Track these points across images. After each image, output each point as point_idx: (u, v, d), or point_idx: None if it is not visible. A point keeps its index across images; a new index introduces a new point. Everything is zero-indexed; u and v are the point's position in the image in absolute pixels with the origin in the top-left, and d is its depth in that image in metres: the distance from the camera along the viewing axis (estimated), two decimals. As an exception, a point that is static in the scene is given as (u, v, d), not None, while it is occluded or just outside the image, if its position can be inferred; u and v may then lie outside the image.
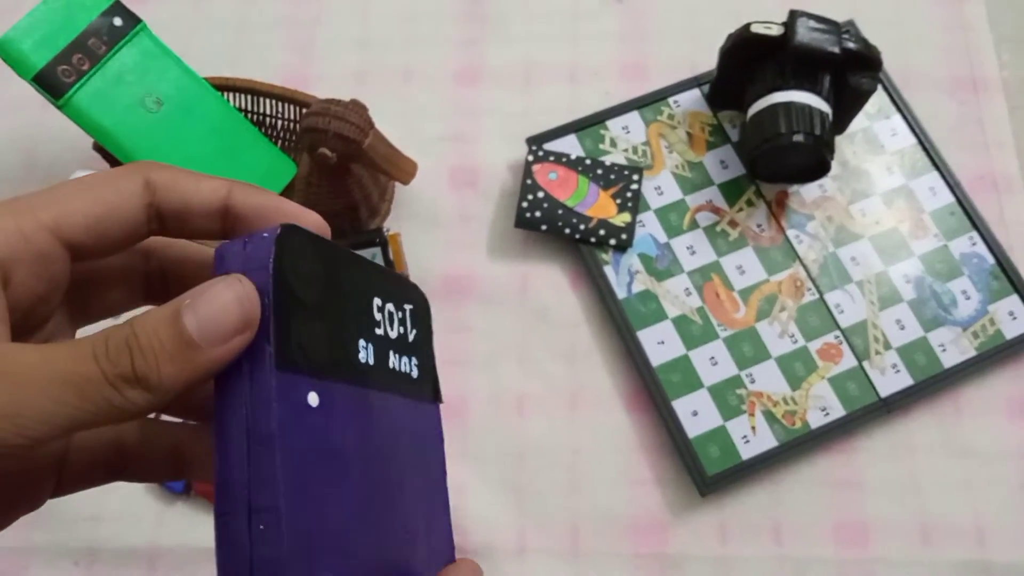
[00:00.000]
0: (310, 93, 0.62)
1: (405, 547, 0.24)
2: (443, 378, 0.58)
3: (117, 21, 0.56)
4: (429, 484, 0.26)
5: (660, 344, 0.58)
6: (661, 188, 0.62)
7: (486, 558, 0.54)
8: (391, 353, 0.25)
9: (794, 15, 0.56)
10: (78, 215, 0.21)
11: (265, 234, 0.21)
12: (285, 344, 0.20)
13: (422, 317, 0.27)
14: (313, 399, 0.21)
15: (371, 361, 0.24)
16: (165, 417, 0.26)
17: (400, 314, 0.26)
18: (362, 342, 0.24)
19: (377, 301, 0.25)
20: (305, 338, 0.21)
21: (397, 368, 0.25)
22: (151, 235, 0.23)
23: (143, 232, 0.23)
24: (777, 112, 0.56)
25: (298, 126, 0.63)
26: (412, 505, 0.25)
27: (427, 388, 0.27)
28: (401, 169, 0.53)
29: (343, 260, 0.24)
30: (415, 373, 0.26)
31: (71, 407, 0.18)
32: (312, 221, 0.24)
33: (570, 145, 0.63)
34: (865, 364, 0.58)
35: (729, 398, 0.57)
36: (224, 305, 0.19)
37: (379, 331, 0.25)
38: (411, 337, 0.26)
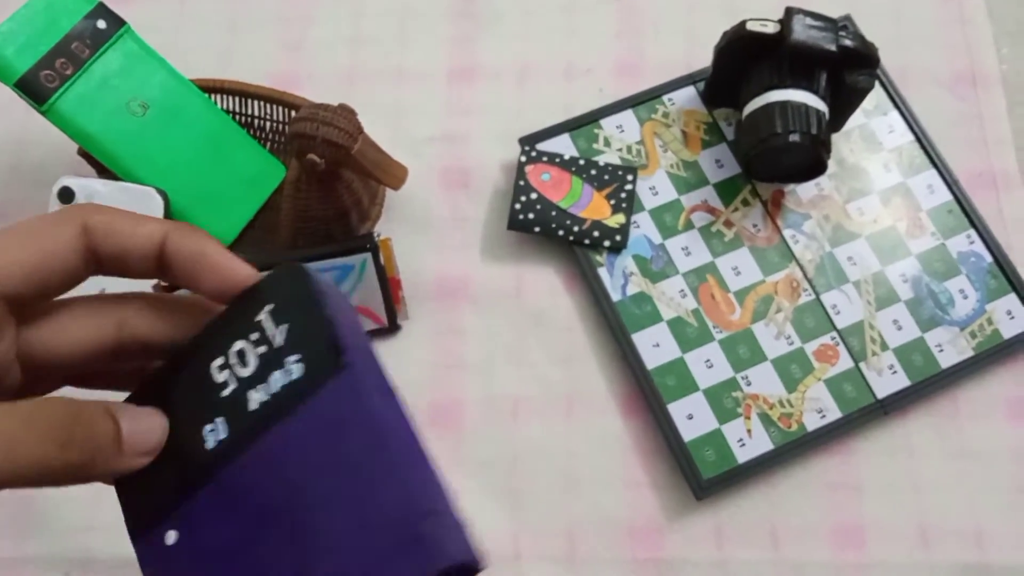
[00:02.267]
0: (300, 93, 0.61)
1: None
2: (436, 382, 0.58)
3: (101, 24, 0.55)
4: (373, 467, 0.21)
5: (655, 347, 0.57)
6: (656, 188, 0.61)
7: (481, 564, 0.54)
8: (250, 394, 0.23)
9: (790, 12, 0.56)
10: (15, 266, 0.22)
11: None
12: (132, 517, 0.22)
13: (296, 295, 0.24)
14: (171, 538, 0.22)
15: (223, 435, 0.23)
16: None
17: (256, 335, 0.24)
18: (207, 427, 0.23)
19: (217, 362, 0.24)
20: (144, 493, 0.23)
21: (268, 398, 0.23)
22: (90, 276, 0.24)
23: (81, 276, 0.23)
24: (773, 111, 0.55)
25: (287, 129, 0.62)
26: (351, 514, 0.21)
27: (323, 365, 0.23)
28: (391, 175, 0.52)
29: (183, 355, 0.24)
30: (297, 371, 0.23)
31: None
32: (239, 275, 0.25)
33: (563, 145, 0.62)
34: (862, 365, 0.57)
35: (725, 401, 0.56)
36: (150, 431, 0.23)
37: (225, 392, 0.23)
38: (279, 338, 0.23)
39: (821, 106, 0.56)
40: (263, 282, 0.24)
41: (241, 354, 0.23)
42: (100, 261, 0.24)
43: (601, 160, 0.61)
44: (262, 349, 0.23)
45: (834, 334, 0.58)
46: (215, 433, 0.23)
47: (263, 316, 0.23)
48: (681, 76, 0.64)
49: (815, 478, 0.56)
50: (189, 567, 0.22)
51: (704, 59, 0.62)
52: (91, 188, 0.55)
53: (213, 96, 0.61)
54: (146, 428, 0.23)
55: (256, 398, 0.23)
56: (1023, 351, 0.58)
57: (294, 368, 0.23)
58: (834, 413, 0.56)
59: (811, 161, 0.57)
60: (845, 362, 0.57)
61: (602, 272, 0.59)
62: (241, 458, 0.22)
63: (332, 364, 0.22)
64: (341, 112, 0.50)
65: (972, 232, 0.61)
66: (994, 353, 0.58)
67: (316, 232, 0.56)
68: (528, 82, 0.66)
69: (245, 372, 0.23)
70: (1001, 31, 0.67)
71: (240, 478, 0.22)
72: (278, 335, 0.23)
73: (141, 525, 0.22)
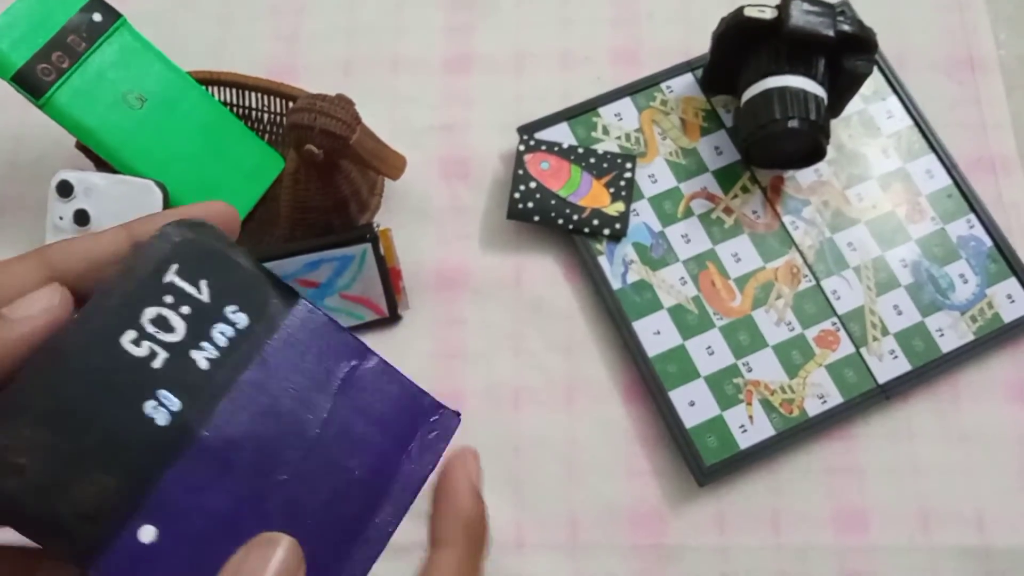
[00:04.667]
0: (297, 85, 0.61)
1: (352, 483, 0.23)
2: (437, 372, 0.58)
3: (97, 17, 0.55)
4: (354, 378, 0.24)
5: (656, 334, 0.57)
6: (655, 176, 0.61)
7: (484, 553, 0.54)
8: (193, 356, 0.22)
9: (787, -3, 0.55)
10: None
11: None
12: (79, 540, 0.20)
13: (202, 249, 0.23)
14: (147, 535, 0.20)
15: (176, 407, 0.21)
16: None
17: (170, 297, 0.22)
18: (149, 405, 0.21)
19: (127, 337, 0.21)
20: (80, 511, 0.20)
21: (218, 354, 0.22)
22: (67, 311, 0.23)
23: (56, 311, 0.22)
24: (771, 97, 0.55)
25: (285, 120, 0.62)
26: (340, 441, 0.23)
27: (272, 304, 0.23)
28: (390, 164, 0.52)
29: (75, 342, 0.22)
30: (243, 321, 0.22)
31: None
32: (219, 212, 0.24)
33: (562, 134, 0.62)
34: (863, 351, 0.57)
35: (726, 387, 0.56)
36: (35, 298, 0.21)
37: (156, 363, 0.21)
38: (204, 294, 0.22)
39: (820, 92, 0.56)
40: (150, 244, 0.22)
41: (161, 321, 0.22)
42: (70, 285, 0.22)
43: (600, 148, 0.61)
44: (186, 309, 0.22)
45: (835, 320, 0.58)
46: (163, 408, 0.21)
47: (171, 277, 0.22)
48: (679, 63, 0.64)
49: (816, 463, 0.56)
50: (184, 554, 0.21)
51: (702, 46, 0.61)
52: (89, 181, 0.55)
53: (210, 88, 0.60)
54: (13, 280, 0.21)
55: (203, 356, 0.22)
56: None
57: (238, 318, 0.23)
58: (835, 398, 0.56)
59: (810, 147, 0.57)
60: (846, 347, 0.57)
61: (602, 260, 0.59)
62: (211, 419, 0.22)
63: (284, 303, 0.23)
64: (339, 102, 0.49)
65: (972, 216, 0.61)
66: (995, 337, 0.58)
67: (315, 223, 0.56)
68: (526, 71, 0.66)
69: (174, 337, 0.22)
70: (999, 16, 0.67)
71: (217, 439, 0.22)
72: (202, 291, 0.22)
73: (94, 542, 0.20)
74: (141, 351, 0.21)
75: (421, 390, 0.25)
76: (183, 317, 0.22)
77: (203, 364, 0.22)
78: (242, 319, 0.23)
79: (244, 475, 0.22)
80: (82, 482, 0.20)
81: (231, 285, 0.23)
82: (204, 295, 0.22)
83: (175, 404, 0.21)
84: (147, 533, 0.20)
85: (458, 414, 0.25)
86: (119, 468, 0.21)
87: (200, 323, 0.22)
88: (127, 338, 0.21)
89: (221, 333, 0.22)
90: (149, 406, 0.21)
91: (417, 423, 0.25)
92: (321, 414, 0.23)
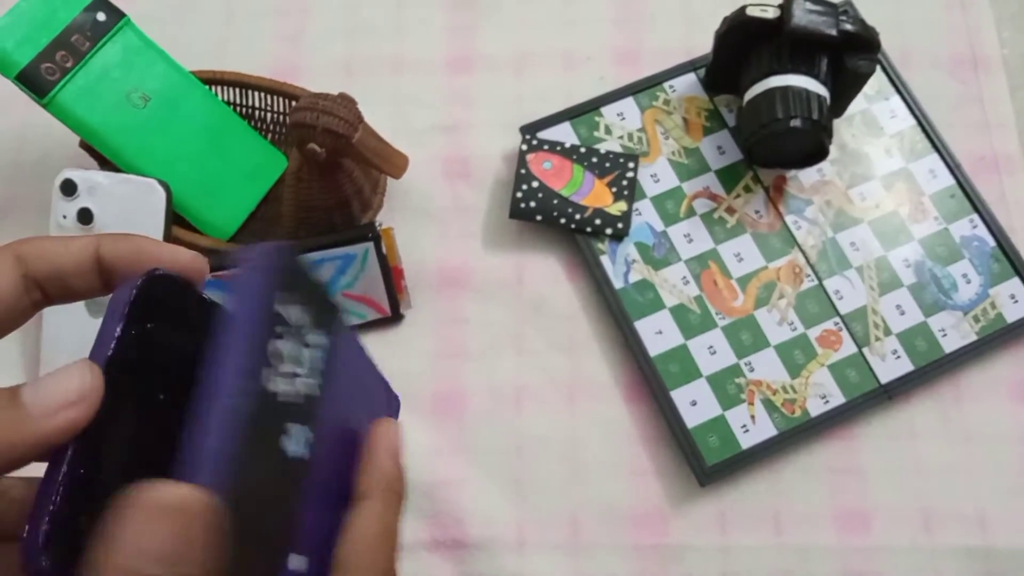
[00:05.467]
0: (299, 84, 0.61)
1: None
2: (439, 371, 0.58)
3: (100, 16, 0.55)
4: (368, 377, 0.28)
5: (658, 334, 0.57)
6: (657, 175, 0.61)
7: (485, 552, 0.54)
8: (299, 383, 0.22)
9: (790, -3, 0.55)
10: None
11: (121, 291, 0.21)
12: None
13: (292, 272, 0.23)
14: (298, 563, 0.20)
15: (306, 435, 0.21)
16: None
17: (280, 327, 0.22)
18: (284, 439, 0.21)
19: (264, 373, 0.20)
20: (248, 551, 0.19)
21: (320, 378, 0.23)
22: (37, 308, 0.23)
23: (27, 307, 0.23)
24: (774, 97, 0.55)
25: (288, 119, 0.62)
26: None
27: (336, 320, 0.25)
28: (392, 163, 0.52)
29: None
30: (324, 340, 0.23)
31: None
32: (187, 264, 0.24)
33: (564, 133, 0.62)
34: (865, 350, 0.57)
35: (728, 387, 0.56)
36: (61, 381, 0.20)
37: (283, 396, 0.21)
38: (297, 318, 0.22)
39: (822, 91, 0.56)
40: (249, 272, 0.21)
41: (277, 353, 0.21)
42: (41, 287, 0.23)
43: (602, 148, 0.61)
44: (291, 336, 0.22)
45: (837, 319, 0.58)
46: (294, 440, 0.21)
47: (279, 307, 0.22)
48: (681, 63, 0.64)
49: (819, 463, 0.56)
50: (316, 571, 0.21)
51: (704, 45, 0.61)
52: (93, 180, 0.55)
53: (213, 88, 0.61)
54: (55, 380, 0.20)
55: (307, 382, 0.22)
56: (1026, 335, 0.58)
57: (319, 339, 0.23)
58: (837, 398, 0.56)
59: (813, 146, 0.57)
60: (848, 347, 0.57)
61: (604, 260, 0.59)
62: (321, 445, 0.22)
63: (334, 320, 0.24)
64: (341, 101, 0.50)
65: (975, 216, 0.60)
66: (998, 337, 0.58)
67: (318, 222, 0.56)
68: (528, 70, 0.66)
69: (288, 367, 0.22)
70: (1002, 14, 0.66)
71: (318, 462, 0.22)
72: (296, 316, 0.22)
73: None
74: (272, 386, 0.21)
75: (383, 376, 0.29)
76: (290, 344, 0.22)
77: (310, 390, 0.22)
78: (323, 340, 0.23)
79: (328, 489, 0.23)
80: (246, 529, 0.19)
81: (312, 306, 0.23)
82: (298, 319, 0.22)
83: (305, 433, 0.22)
84: (298, 561, 0.21)
85: (398, 397, 0.30)
86: (278, 506, 0.20)
87: (299, 348, 0.22)
88: (264, 377, 0.21)
89: (312, 356, 0.23)
90: (285, 441, 0.21)
91: (389, 408, 0.29)
92: (361, 415, 0.25)
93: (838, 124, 0.62)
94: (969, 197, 0.61)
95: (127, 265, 0.24)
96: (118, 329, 0.20)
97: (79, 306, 0.55)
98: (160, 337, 0.22)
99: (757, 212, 0.61)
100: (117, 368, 0.21)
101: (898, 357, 0.57)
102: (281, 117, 0.63)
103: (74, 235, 0.24)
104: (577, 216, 0.59)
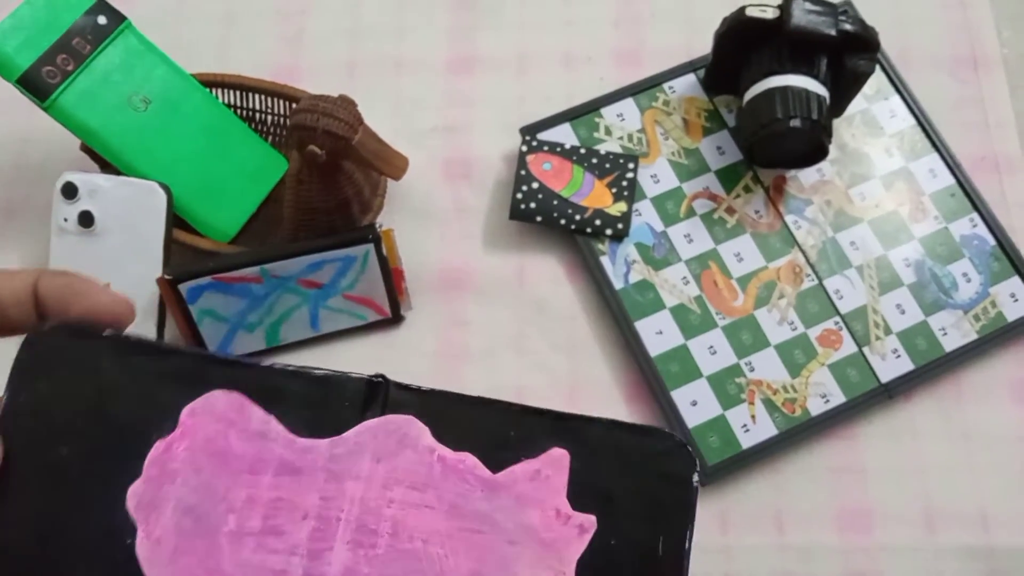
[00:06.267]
0: (300, 86, 0.61)
1: None
2: (440, 372, 0.58)
3: (101, 19, 0.55)
4: None
5: (658, 334, 0.58)
6: (657, 176, 0.61)
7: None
8: None
9: (789, -3, 0.55)
10: None
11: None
12: None
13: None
14: None
15: None
16: None
17: None
18: None
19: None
20: None
21: None
22: None
23: None
24: (774, 97, 0.55)
25: (288, 121, 0.62)
26: None
27: None
28: (392, 165, 0.52)
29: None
30: None
31: None
32: (110, 309, 0.25)
33: (564, 134, 0.62)
34: (865, 350, 0.57)
35: (728, 387, 0.56)
36: None
37: None
38: None
39: (822, 91, 0.56)
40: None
41: None
42: None
43: (602, 149, 0.61)
44: None
45: (837, 319, 0.58)
46: None
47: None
48: (681, 63, 0.64)
49: (819, 463, 0.56)
50: None
51: (704, 46, 0.62)
52: (94, 183, 0.55)
53: (214, 90, 0.61)
54: None
55: None
56: (1027, 334, 0.58)
57: None
58: (838, 398, 0.56)
59: (812, 146, 0.57)
60: (848, 347, 0.57)
61: (604, 260, 0.59)
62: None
63: None
64: (341, 103, 0.50)
65: (975, 215, 0.60)
66: (998, 336, 0.58)
67: (319, 224, 0.56)
68: (528, 72, 0.66)
69: None
70: (1002, 14, 0.67)
71: None
72: None
73: None
74: None
75: None
76: None
77: None
78: None
79: None
80: None
81: None
82: None
83: None
84: None
85: None
86: None
87: None
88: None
89: None
90: None
91: None
92: None
93: (838, 124, 0.62)
94: (969, 196, 0.61)
95: (56, 302, 0.24)
96: (5, 396, 0.22)
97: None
98: (58, 391, 0.23)
99: (757, 212, 0.61)
100: (9, 433, 0.22)
101: (898, 356, 0.57)
102: (282, 120, 0.63)
103: (17, 268, 0.25)
104: (577, 217, 0.59)
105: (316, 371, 0.24)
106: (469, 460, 0.23)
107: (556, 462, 0.24)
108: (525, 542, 0.23)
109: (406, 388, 0.24)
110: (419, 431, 0.23)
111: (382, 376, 0.24)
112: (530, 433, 0.24)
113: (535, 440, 0.24)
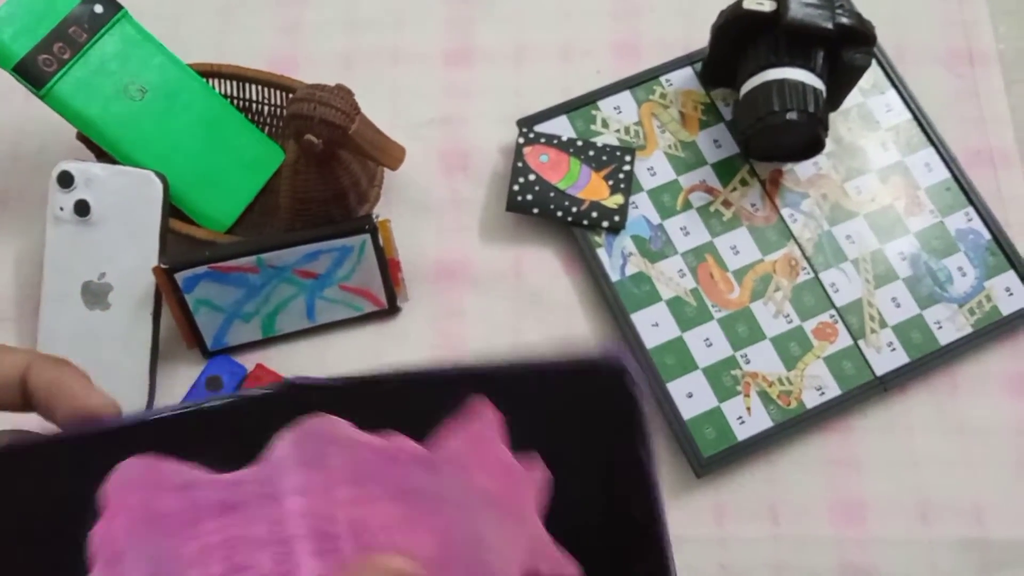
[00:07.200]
0: (297, 77, 0.61)
1: None
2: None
3: (98, 8, 0.55)
4: None
5: (654, 326, 0.58)
6: (654, 169, 0.61)
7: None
8: None
9: (786, -10, 0.55)
10: None
11: None
12: None
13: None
14: None
15: None
16: None
17: None
18: None
19: None
20: None
21: None
22: None
23: None
24: (770, 90, 0.55)
25: (285, 111, 0.62)
26: None
27: None
28: (389, 155, 0.52)
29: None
30: None
31: None
32: (98, 412, 0.24)
33: (561, 127, 0.62)
34: (861, 343, 0.57)
35: (724, 379, 0.57)
36: None
37: None
38: None
39: (818, 84, 0.56)
40: None
41: None
42: None
43: (599, 141, 0.61)
44: None
45: (833, 312, 0.58)
46: None
47: None
48: (679, 57, 0.64)
49: (814, 455, 0.56)
50: None
51: (701, 39, 0.62)
52: (90, 172, 0.55)
53: (210, 80, 0.61)
54: None
55: None
56: (1022, 327, 0.59)
57: None
58: (833, 390, 0.56)
59: (809, 140, 0.57)
60: (844, 340, 0.57)
61: (601, 253, 0.59)
62: None
63: None
64: (338, 92, 0.50)
65: (970, 210, 0.61)
66: (993, 330, 0.58)
67: (315, 214, 0.56)
68: (525, 64, 0.66)
69: None
70: (998, 9, 0.67)
71: None
72: None
73: None
74: None
75: None
76: None
77: None
78: None
79: None
80: None
81: None
82: None
83: None
84: None
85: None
86: None
87: None
88: None
89: None
90: None
91: None
92: None
93: (834, 118, 0.62)
94: (964, 191, 0.61)
95: (44, 396, 0.24)
96: None
97: (76, 297, 0.55)
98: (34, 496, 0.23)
99: (753, 205, 0.61)
100: None
101: (893, 349, 0.57)
102: (278, 110, 0.63)
103: (11, 347, 0.25)
104: (574, 209, 0.59)
105: (213, 403, 0.23)
106: (396, 439, 0.22)
107: (479, 413, 0.23)
108: (480, 505, 0.22)
109: (309, 387, 0.23)
110: (336, 426, 0.22)
111: (281, 383, 0.23)
112: (446, 391, 0.23)
113: (453, 396, 0.23)
